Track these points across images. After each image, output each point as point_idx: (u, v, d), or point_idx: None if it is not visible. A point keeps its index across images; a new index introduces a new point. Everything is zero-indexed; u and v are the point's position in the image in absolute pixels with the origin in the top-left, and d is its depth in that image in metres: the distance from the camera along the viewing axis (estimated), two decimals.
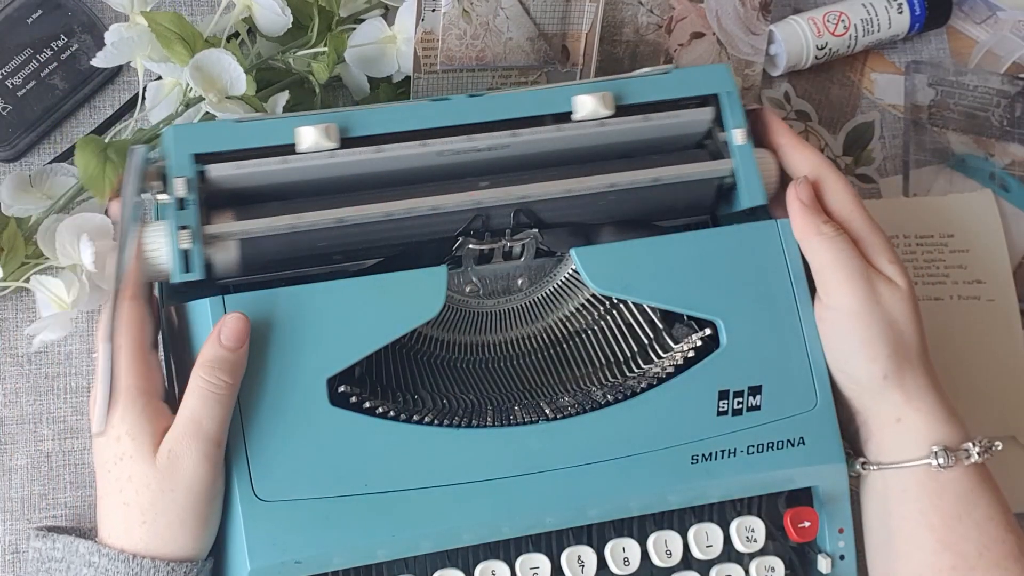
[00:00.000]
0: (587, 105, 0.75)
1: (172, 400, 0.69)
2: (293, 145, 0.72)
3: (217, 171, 0.71)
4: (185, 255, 0.70)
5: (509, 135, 0.75)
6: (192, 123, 0.75)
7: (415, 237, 0.74)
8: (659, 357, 0.76)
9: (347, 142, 0.73)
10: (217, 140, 0.72)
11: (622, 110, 0.76)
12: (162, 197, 0.70)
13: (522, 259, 0.78)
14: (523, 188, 0.75)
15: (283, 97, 0.83)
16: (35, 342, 0.77)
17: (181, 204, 0.70)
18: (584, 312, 0.79)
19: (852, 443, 0.77)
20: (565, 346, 0.78)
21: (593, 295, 0.78)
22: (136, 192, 0.70)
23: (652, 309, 0.78)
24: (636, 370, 0.76)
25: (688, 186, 0.77)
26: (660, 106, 0.77)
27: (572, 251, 0.74)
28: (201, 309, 0.70)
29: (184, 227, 0.70)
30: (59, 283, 0.77)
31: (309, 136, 0.72)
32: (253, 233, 0.71)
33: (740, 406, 0.74)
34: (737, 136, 0.77)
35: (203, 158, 0.71)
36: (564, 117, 0.76)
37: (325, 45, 0.83)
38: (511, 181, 0.75)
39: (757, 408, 0.74)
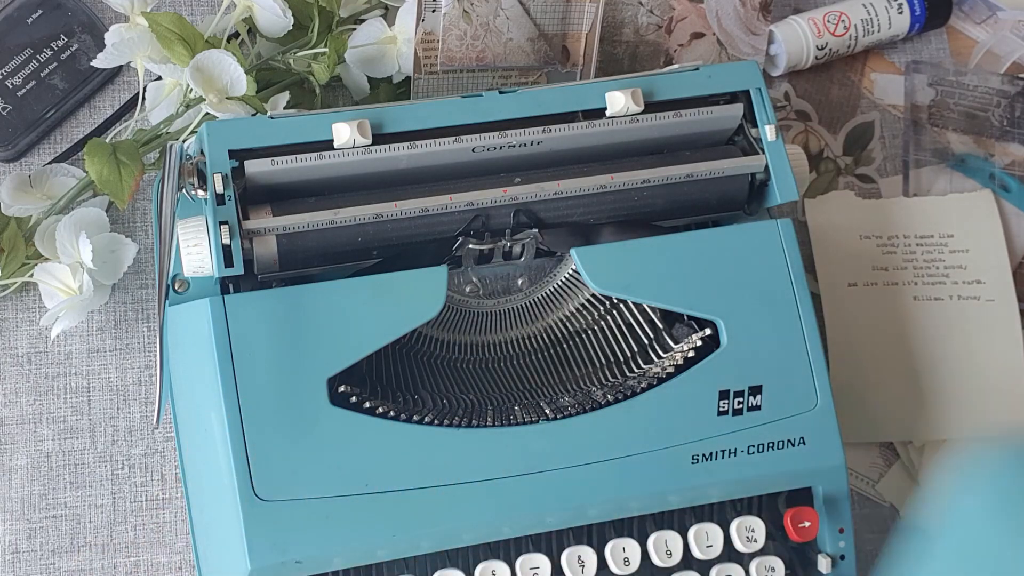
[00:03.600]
0: (619, 101, 0.75)
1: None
2: (326, 141, 0.72)
3: (253, 167, 0.71)
4: (226, 251, 0.70)
5: (542, 131, 0.75)
6: (227, 119, 0.75)
7: (445, 234, 0.74)
8: (659, 357, 0.76)
9: (380, 138, 0.73)
10: (252, 136, 0.72)
11: (651, 107, 0.76)
12: (200, 193, 0.70)
13: (522, 259, 0.78)
14: (556, 184, 0.75)
15: (283, 98, 0.83)
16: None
17: (220, 200, 0.70)
18: (584, 312, 0.79)
19: None
20: (565, 346, 0.78)
21: (593, 295, 0.78)
22: (176, 188, 0.69)
23: (652, 309, 0.78)
24: (636, 370, 0.76)
25: (721, 182, 0.77)
26: (689, 102, 0.77)
27: (572, 251, 0.74)
28: (201, 309, 0.70)
29: (224, 222, 0.70)
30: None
31: (344, 132, 0.72)
32: (291, 228, 0.71)
33: (740, 406, 0.74)
34: (769, 132, 0.77)
35: (237, 154, 0.71)
36: (594, 113, 0.76)
37: (325, 46, 0.83)
38: (544, 177, 0.75)
39: (757, 408, 0.74)
